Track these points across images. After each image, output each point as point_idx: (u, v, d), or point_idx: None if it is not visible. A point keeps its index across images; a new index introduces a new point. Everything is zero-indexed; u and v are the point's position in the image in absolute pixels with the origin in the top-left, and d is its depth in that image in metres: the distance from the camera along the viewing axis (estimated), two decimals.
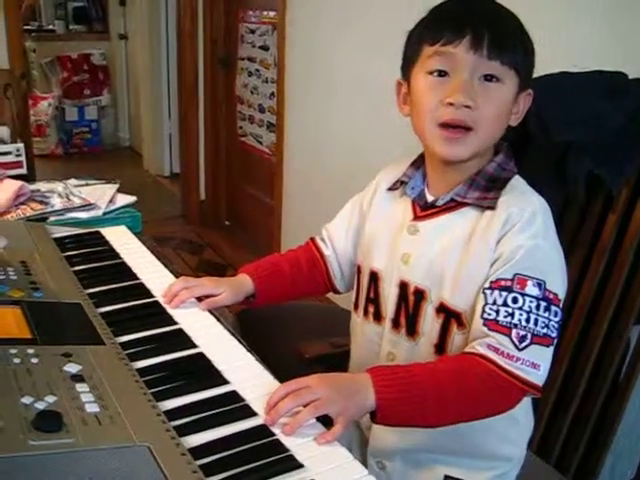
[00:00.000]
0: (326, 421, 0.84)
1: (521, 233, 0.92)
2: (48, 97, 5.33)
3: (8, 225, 1.46)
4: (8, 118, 2.83)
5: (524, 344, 0.88)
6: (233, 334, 1.07)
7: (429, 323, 1.00)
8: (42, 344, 0.91)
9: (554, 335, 0.90)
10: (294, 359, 1.32)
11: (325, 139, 2.79)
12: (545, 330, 0.89)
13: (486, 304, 0.90)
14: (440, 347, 0.99)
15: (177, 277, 1.23)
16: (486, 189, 0.97)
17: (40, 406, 0.77)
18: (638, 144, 1.32)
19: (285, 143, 3.10)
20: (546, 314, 0.89)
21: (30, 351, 0.88)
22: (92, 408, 0.78)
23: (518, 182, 1.00)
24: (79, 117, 5.55)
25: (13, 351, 0.87)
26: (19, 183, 1.65)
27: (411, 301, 1.01)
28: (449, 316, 0.97)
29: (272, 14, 3.26)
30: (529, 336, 0.88)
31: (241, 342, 1.04)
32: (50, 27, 5.74)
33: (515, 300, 0.89)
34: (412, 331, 1.02)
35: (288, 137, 3.07)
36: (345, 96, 2.64)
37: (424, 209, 1.03)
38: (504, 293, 0.89)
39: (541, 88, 1.41)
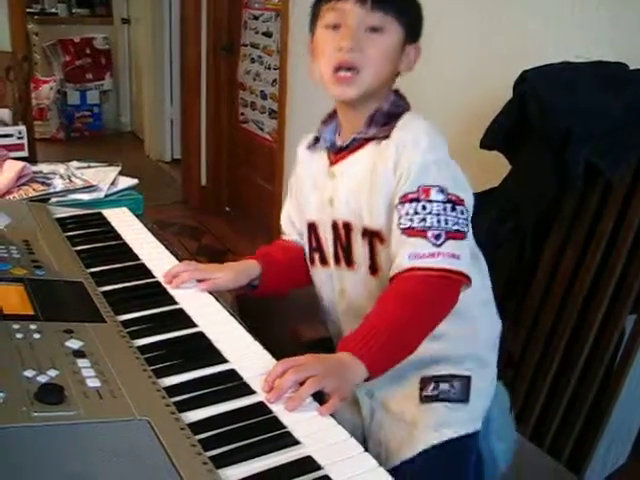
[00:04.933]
0: (321, 400, 0.85)
1: (412, 152, 1.02)
2: (50, 81, 5.32)
3: (11, 205, 1.47)
4: (10, 101, 2.83)
5: (440, 241, 0.98)
6: (232, 315, 1.08)
7: (359, 248, 1.10)
8: (44, 320, 0.92)
9: (465, 230, 1.01)
10: (291, 342, 1.33)
11: None
12: (456, 227, 0.99)
13: (400, 217, 1.01)
14: (373, 268, 1.09)
15: (178, 259, 1.25)
16: (383, 124, 1.09)
17: (42, 379, 0.78)
18: (637, 134, 1.33)
19: (286, 130, 3.10)
20: (454, 213, 1.00)
21: (33, 327, 0.89)
22: (93, 383, 0.80)
23: (412, 114, 1.10)
24: (81, 101, 5.55)
25: (16, 326, 0.88)
26: (21, 164, 1.66)
27: (342, 235, 1.12)
28: (372, 237, 1.08)
29: (276, 0, 3.25)
30: (443, 234, 0.98)
31: (240, 323, 1.06)
32: (53, 10, 5.72)
33: (424, 207, 0.99)
34: (349, 261, 1.12)
35: (289, 124, 3.08)
36: None
37: (336, 154, 1.14)
38: (413, 203, 1.00)
39: (543, 77, 1.42)
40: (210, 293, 1.14)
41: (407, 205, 1.00)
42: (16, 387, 0.76)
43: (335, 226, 1.13)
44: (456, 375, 1.08)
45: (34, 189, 1.62)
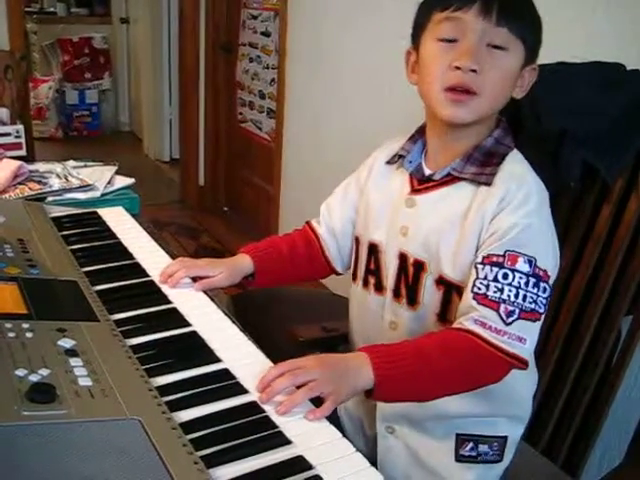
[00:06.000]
0: (315, 400, 0.85)
1: (516, 211, 0.93)
2: (49, 80, 5.32)
3: (6, 203, 1.47)
4: (8, 100, 2.82)
5: (511, 319, 0.90)
6: (227, 314, 1.08)
7: (429, 293, 1.02)
8: (37, 319, 0.92)
9: (542, 310, 0.93)
10: (287, 342, 1.33)
11: (325, 126, 2.79)
12: (533, 305, 0.91)
13: (477, 278, 0.92)
14: (442, 315, 1.01)
15: (173, 258, 1.24)
16: (483, 164, 0.99)
17: (34, 378, 0.78)
18: (633, 135, 1.32)
19: (285, 130, 3.10)
20: (535, 290, 0.91)
21: (25, 326, 0.89)
22: (85, 382, 0.80)
23: (515, 158, 1.01)
24: (79, 101, 5.54)
25: (8, 325, 0.88)
26: (18, 163, 1.66)
27: (411, 272, 1.03)
28: (450, 288, 0.99)
29: (274, 0, 3.25)
30: (517, 311, 0.90)
31: (234, 322, 1.06)
32: (52, 9, 5.72)
33: (505, 276, 0.91)
34: (413, 301, 1.04)
35: (288, 124, 3.08)
36: (346, 84, 2.64)
37: (421, 182, 1.04)
38: (495, 269, 0.91)
39: (539, 77, 1.41)
40: (205, 292, 1.13)
41: (487, 267, 0.92)
42: (7, 386, 0.75)
43: (403, 259, 1.04)
44: (495, 436, 1.05)
45: (30, 188, 1.62)
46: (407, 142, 1.10)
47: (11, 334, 0.86)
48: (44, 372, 0.79)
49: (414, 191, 1.05)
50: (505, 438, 1.07)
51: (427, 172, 1.04)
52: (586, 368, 1.44)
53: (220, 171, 4.02)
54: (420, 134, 1.09)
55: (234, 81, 3.78)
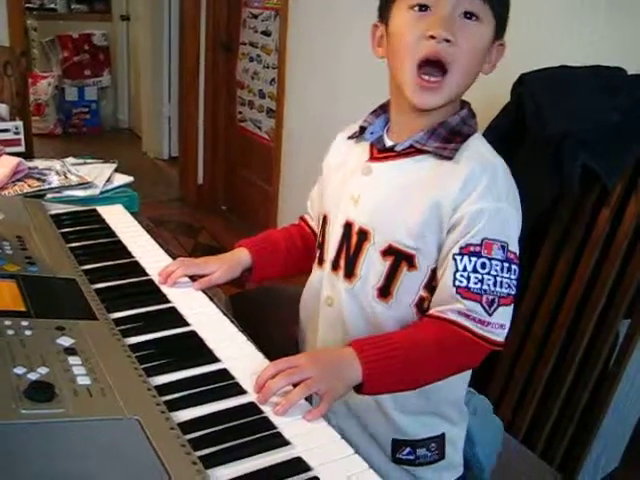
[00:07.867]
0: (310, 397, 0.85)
1: (485, 196, 0.92)
2: (48, 76, 5.31)
3: (5, 200, 1.46)
4: (7, 96, 2.82)
5: (493, 308, 0.92)
6: (225, 314, 1.08)
7: (370, 265, 1.00)
8: (36, 317, 0.91)
9: (514, 292, 0.94)
10: (286, 342, 1.33)
11: (324, 126, 2.78)
12: (508, 290, 0.93)
13: (457, 271, 0.92)
14: (384, 290, 0.99)
15: (172, 257, 1.24)
16: (446, 140, 0.97)
17: (32, 377, 0.78)
18: (633, 139, 1.33)
19: (284, 129, 3.09)
20: (508, 274, 0.93)
21: (24, 323, 0.89)
22: (83, 380, 0.79)
23: (479, 140, 1.00)
24: (79, 97, 5.53)
25: (7, 323, 0.88)
26: (17, 159, 1.66)
27: (354, 242, 1.02)
28: (399, 258, 0.97)
29: None
30: (496, 300, 0.92)
31: (233, 322, 1.05)
32: (52, 6, 5.71)
33: (484, 265, 0.92)
34: (350, 273, 1.02)
35: (287, 123, 3.07)
36: (346, 84, 2.64)
37: (381, 152, 1.03)
38: (473, 259, 0.92)
39: (541, 80, 1.42)
40: (204, 292, 1.13)
41: (466, 258, 0.92)
42: (6, 384, 0.75)
43: (348, 228, 1.03)
44: (432, 437, 1.04)
45: (29, 185, 1.62)
46: (370, 115, 1.08)
47: (10, 332, 0.86)
48: (43, 370, 0.79)
49: (372, 159, 1.03)
50: (442, 435, 1.05)
51: (388, 143, 1.03)
52: (583, 371, 1.45)
53: (219, 170, 4.02)
54: (383, 110, 1.07)
55: (234, 80, 3.77)
